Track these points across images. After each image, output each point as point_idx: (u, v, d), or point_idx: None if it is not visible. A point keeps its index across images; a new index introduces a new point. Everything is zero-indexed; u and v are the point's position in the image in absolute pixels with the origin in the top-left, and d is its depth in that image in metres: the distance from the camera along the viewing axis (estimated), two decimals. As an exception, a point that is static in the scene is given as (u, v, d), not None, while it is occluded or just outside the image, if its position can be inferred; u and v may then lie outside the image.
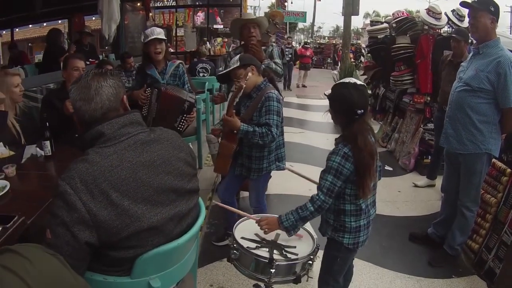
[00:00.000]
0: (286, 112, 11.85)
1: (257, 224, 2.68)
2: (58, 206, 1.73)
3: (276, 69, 4.86)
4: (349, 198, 2.61)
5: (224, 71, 3.71)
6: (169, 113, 4.48)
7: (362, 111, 2.55)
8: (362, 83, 2.65)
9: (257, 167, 3.84)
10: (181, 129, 4.49)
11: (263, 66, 4.38)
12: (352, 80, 2.64)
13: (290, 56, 18.52)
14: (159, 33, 4.59)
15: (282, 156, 4.03)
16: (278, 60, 5.03)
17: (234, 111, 3.67)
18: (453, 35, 5.72)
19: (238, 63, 3.64)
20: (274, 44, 5.69)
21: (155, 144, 1.99)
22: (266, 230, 2.64)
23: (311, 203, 2.56)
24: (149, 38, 4.56)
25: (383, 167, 6.99)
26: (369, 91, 9.12)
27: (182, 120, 4.49)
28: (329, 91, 2.69)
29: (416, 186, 6.38)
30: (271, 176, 4.39)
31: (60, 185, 1.74)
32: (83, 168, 1.76)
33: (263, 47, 4.92)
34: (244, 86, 3.56)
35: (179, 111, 4.47)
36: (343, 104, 2.58)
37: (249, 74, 3.56)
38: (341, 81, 2.70)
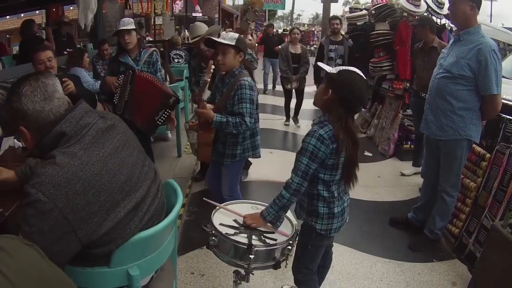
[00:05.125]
0: (268, 99, 11.88)
1: (244, 221, 2.64)
2: (32, 215, 1.66)
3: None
4: (322, 184, 2.57)
5: (217, 39, 3.62)
6: (150, 104, 4.46)
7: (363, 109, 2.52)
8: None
9: (231, 153, 3.82)
10: (159, 122, 4.50)
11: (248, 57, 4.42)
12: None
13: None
14: (127, 24, 4.62)
15: (258, 144, 3.99)
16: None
17: (205, 101, 3.67)
18: (415, 23, 5.75)
19: (234, 42, 3.55)
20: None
21: (113, 129, 1.97)
22: (254, 226, 2.60)
23: (285, 190, 2.53)
24: (117, 30, 4.67)
25: (362, 153, 7.02)
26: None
27: (164, 115, 4.48)
28: (330, 68, 2.58)
29: (403, 175, 6.35)
30: (251, 163, 4.35)
31: (31, 194, 1.65)
32: (54, 172, 1.69)
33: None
34: (209, 80, 3.58)
35: (161, 104, 4.47)
36: (355, 94, 2.43)
37: (211, 68, 3.60)
38: (355, 70, 2.50)
